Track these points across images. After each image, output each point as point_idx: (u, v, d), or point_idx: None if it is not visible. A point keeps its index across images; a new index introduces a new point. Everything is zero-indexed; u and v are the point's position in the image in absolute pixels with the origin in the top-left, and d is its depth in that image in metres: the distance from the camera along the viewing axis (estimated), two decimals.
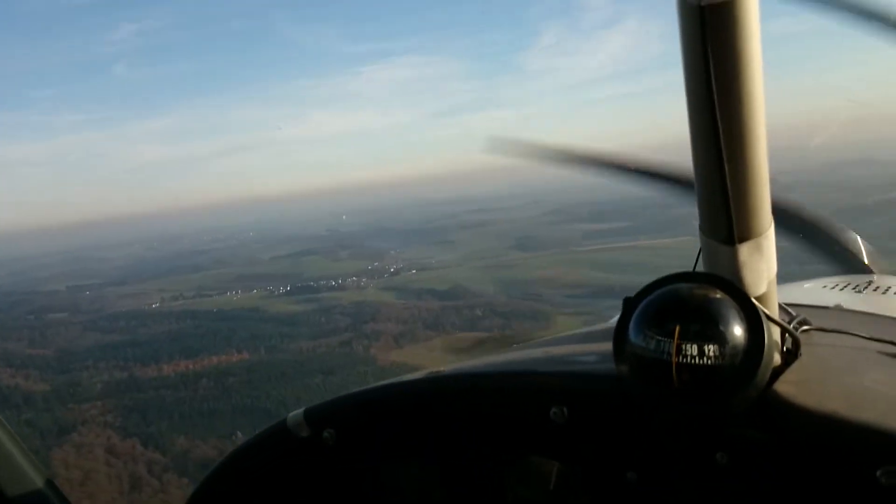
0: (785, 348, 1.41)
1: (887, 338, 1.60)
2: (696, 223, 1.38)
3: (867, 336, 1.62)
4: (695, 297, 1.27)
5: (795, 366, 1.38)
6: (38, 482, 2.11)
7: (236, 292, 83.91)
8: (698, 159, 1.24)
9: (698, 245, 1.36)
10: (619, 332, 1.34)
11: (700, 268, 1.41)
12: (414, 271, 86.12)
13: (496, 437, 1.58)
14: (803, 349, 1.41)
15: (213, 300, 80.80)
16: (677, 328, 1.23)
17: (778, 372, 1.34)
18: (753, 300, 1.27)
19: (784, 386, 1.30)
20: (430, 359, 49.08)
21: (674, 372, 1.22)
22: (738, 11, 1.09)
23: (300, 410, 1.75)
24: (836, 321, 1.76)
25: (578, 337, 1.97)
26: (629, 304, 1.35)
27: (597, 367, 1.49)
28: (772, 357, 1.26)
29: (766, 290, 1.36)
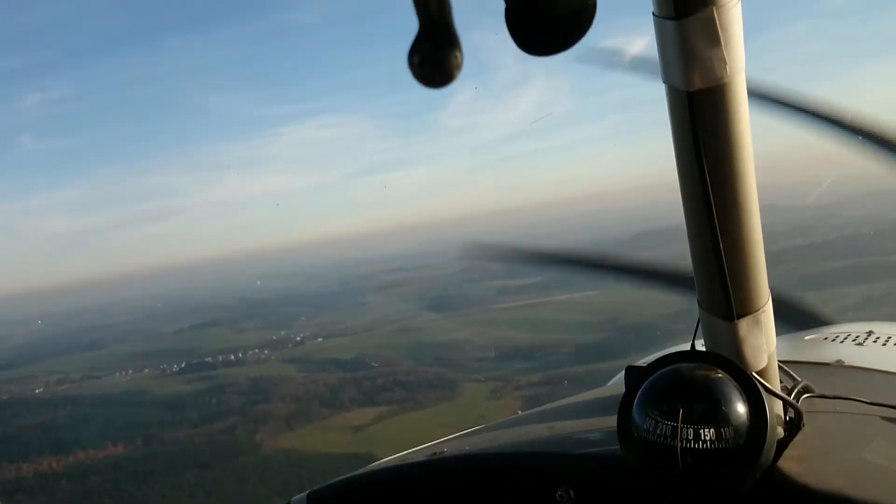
0: (788, 418, 1.44)
1: (890, 401, 1.60)
2: (695, 298, 1.41)
3: (870, 401, 1.60)
4: (697, 379, 1.29)
5: (799, 438, 1.39)
6: None
7: (126, 372, 77.31)
8: (693, 238, 1.27)
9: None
10: (623, 412, 1.35)
11: (698, 341, 1.43)
12: (320, 339, 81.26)
13: None
14: (807, 417, 1.43)
15: (99, 382, 74.22)
16: (680, 411, 1.23)
17: (782, 444, 1.35)
18: (755, 378, 1.28)
19: (788, 462, 1.31)
20: (322, 442, 44.69)
21: (678, 455, 1.22)
22: (725, 95, 1.12)
23: (304, 494, 1.75)
24: (838, 381, 1.79)
25: (580, 407, 1.96)
26: (632, 381, 1.37)
27: (601, 447, 1.49)
28: (775, 436, 1.26)
29: (766, 364, 1.38)
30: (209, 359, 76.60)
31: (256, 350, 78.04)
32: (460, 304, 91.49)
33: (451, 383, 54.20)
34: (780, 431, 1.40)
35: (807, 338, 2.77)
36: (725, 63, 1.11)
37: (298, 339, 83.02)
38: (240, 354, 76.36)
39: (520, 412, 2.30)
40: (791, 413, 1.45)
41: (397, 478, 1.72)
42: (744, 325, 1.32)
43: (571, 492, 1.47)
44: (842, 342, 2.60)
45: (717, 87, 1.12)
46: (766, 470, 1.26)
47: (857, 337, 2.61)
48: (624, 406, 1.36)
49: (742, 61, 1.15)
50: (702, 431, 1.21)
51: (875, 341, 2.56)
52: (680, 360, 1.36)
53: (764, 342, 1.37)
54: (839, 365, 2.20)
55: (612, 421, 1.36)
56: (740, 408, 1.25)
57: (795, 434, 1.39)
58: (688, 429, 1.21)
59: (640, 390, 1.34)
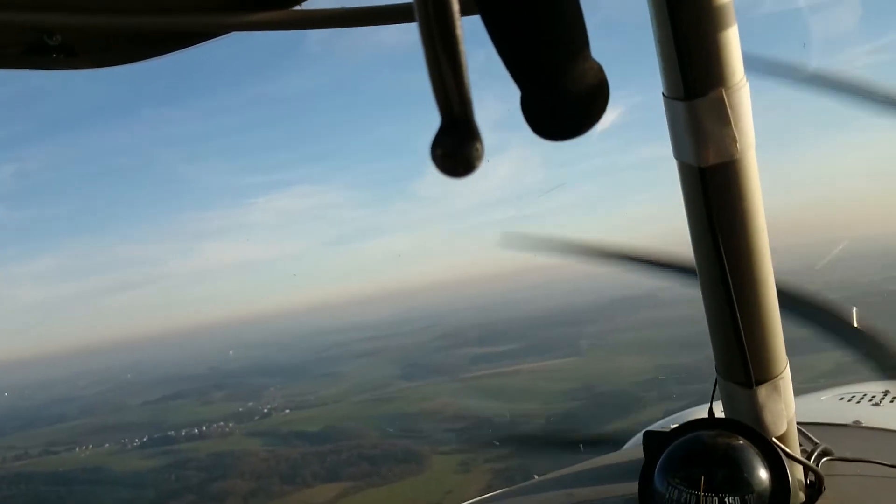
0: (808, 481, 1.45)
1: None
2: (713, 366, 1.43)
3: (891, 464, 1.62)
4: (718, 446, 1.30)
5: (820, 502, 1.39)
6: None
7: (87, 447, 74.65)
8: (710, 307, 1.29)
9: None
10: (645, 480, 1.36)
11: (716, 407, 1.44)
12: (288, 411, 79.20)
13: None
14: (827, 481, 1.43)
15: (58, 458, 71.41)
16: (702, 479, 1.24)
17: None
18: (774, 442, 1.29)
19: None
20: None
21: None
22: (737, 170, 1.15)
23: None
24: (856, 443, 1.80)
25: (598, 473, 1.92)
26: (652, 447, 1.38)
27: None
28: (797, 501, 1.28)
29: (786, 429, 1.39)
30: (172, 432, 74.15)
31: (221, 423, 75.76)
32: (434, 372, 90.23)
33: (419, 456, 52.60)
34: (801, 496, 1.39)
35: (822, 398, 2.78)
36: (736, 140, 1.14)
37: (265, 410, 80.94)
38: (204, 428, 74.07)
39: (536, 476, 2.16)
40: (812, 477, 1.43)
41: None
42: (763, 392, 1.32)
43: None
44: (858, 402, 2.58)
45: (728, 162, 1.15)
46: None
47: (874, 397, 2.59)
48: (645, 473, 1.35)
49: (752, 137, 1.17)
50: (726, 499, 1.21)
51: (892, 401, 2.55)
52: (700, 427, 1.36)
53: (783, 408, 1.36)
54: (857, 426, 2.19)
55: (631, 487, 1.35)
56: (762, 474, 1.24)
57: (816, 499, 1.39)
58: (712, 497, 1.21)
59: (662, 458, 1.33)
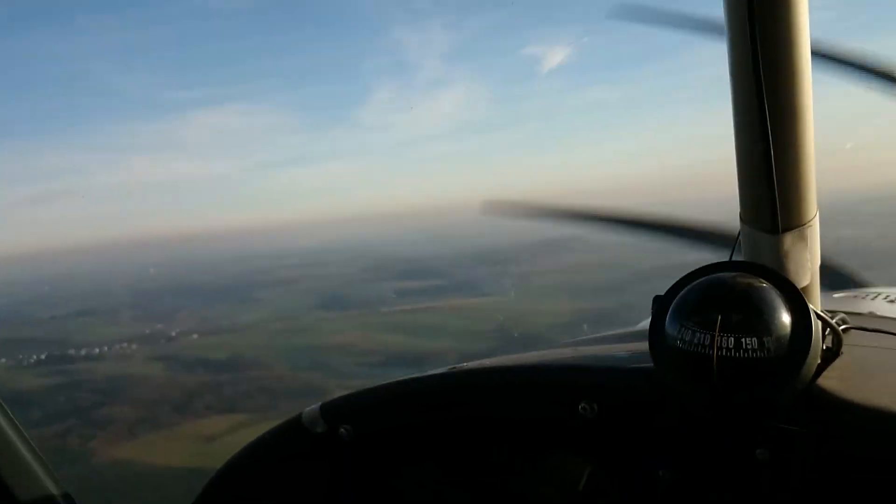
0: (825, 346, 1.41)
1: None
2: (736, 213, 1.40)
3: None
4: (738, 286, 1.25)
5: (838, 362, 1.36)
6: (48, 484, 2.02)
7: None
8: (742, 146, 1.24)
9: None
10: (656, 322, 1.33)
11: (739, 258, 1.42)
12: (196, 336, 76.52)
13: (521, 434, 1.54)
14: (845, 347, 1.42)
15: None
16: (719, 319, 1.19)
17: (821, 368, 1.32)
18: (800, 290, 1.26)
19: (827, 381, 1.27)
20: (164, 452, 40.72)
21: (714, 365, 1.18)
22: None
23: (316, 405, 1.69)
24: (874, 324, 1.75)
25: (610, 338, 1.90)
26: (668, 295, 1.35)
27: (629, 362, 1.48)
28: (818, 350, 1.26)
29: (809, 282, 1.37)
30: (72, 351, 70.98)
31: (125, 344, 72.84)
32: (355, 304, 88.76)
33: (322, 391, 50.70)
34: (818, 357, 1.33)
35: (836, 295, 2.75)
36: None
37: (173, 334, 78.11)
38: (106, 348, 71.07)
39: None
40: (829, 340, 1.38)
41: (412, 390, 1.65)
42: (788, 240, 1.28)
43: (595, 405, 1.41)
44: (873, 299, 2.61)
45: None
46: (806, 385, 1.22)
47: (889, 296, 2.62)
48: (657, 314, 1.31)
49: None
50: (743, 340, 1.16)
51: None
52: (719, 269, 1.30)
53: (808, 259, 1.32)
54: (872, 315, 2.18)
55: (642, 346, 1.32)
56: (784, 318, 1.19)
57: (833, 360, 1.35)
58: (728, 337, 1.16)
59: (675, 300, 1.28)
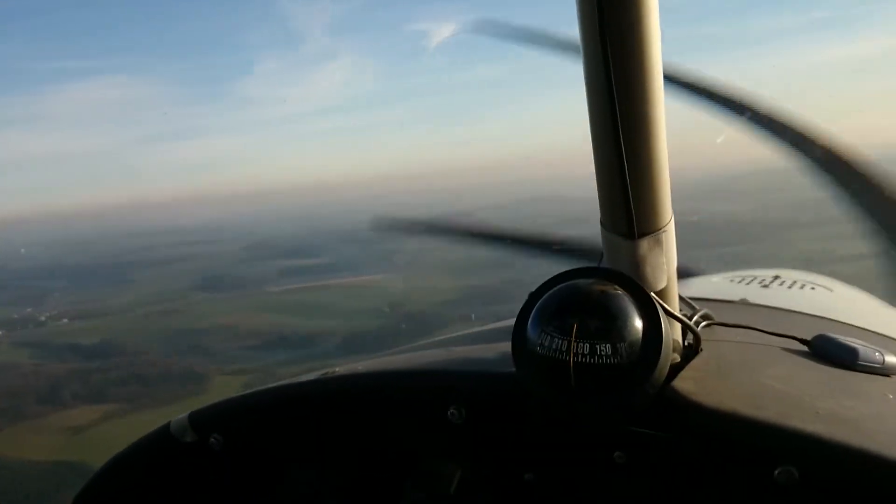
0: (686, 343, 1.47)
1: (790, 333, 1.64)
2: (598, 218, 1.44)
3: (769, 331, 1.65)
4: (592, 294, 1.28)
5: (695, 362, 1.40)
6: None
7: None
8: (598, 154, 1.27)
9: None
10: (518, 328, 1.35)
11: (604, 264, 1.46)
12: (66, 320, 72.69)
13: (392, 439, 1.57)
14: (705, 344, 1.46)
15: None
16: (574, 325, 1.23)
17: (678, 368, 1.36)
18: (652, 295, 1.30)
19: (683, 383, 1.31)
20: (28, 446, 38.29)
21: (571, 371, 1.22)
22: (636, 2, 1.13)
23: (185, 414, 1.66)
24: (740, 316, 1.79)
25: (480, 335, 1.94)
26: (530, 299, 1.37)
27: (496, 366, 1.49)
28: (669, 354, 1.27)
29: (666, 285, 1.40)
30: None
31: None
32: (237, 283, 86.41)
33: (200, 376, 49.02)
34: (677, 357, 1.39)
35: (713, 279, 2.87)
36: None
37: (42, 318, 74.11)
38: None
39: None
40: (690, 338, 1.44)
41: (284, 396, 1.63)
42: (645, 245, 1.32)
43: (463, 410, 1.44)
44: (748, 284, 2.71)
45: None
46: (660, 388, 1.26)
47: (764, 280, 2.74)
48: (519, 322, 1.33)
49: None
50: (595, 346, 1.20)
51: (780, 284, 2.71)
52: (577, 275, 1.34)
53: (664, 262, 1.35)
54: (743, 303, 2.27)
55: (508, 347, 1.35)
56: (637, 323, 1.23)
57: (692, 358, 1.40)
58: (583, 343, 1.20)
59: (537, 306, 1.32)
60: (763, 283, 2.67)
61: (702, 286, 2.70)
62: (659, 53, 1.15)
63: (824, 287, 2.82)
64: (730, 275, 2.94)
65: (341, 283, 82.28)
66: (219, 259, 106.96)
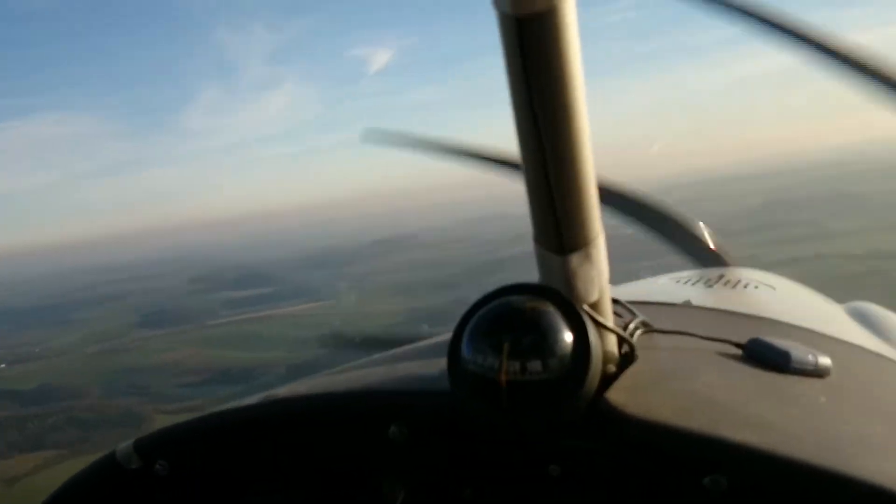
0: (623, 352, 1.47)
1: (727, 337, 1.65)
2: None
3: (706, 336, 1.66)
4: (522, 311, 1.31)
5: (630, 371, 1.41)
6: None
7: None
8: (526, 171, 1.28)
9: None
10: (453, 347, 1.37)
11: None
12: (3, 365, 71.07)
13: (336, 461, 1.55)
14: (642, 353, 1.46)
15: None
16: (505, 343, 1.25)
17: (612, 378, 1.37)
18: (580, 309, 1.32)
19: (617, 393, 1.32)
20: None
21: (502, 388, 1.24)
22: (555, 19, 1.12)
23: (130, 441, 1.61)
24: (682, 320, 1.83)
25: (422, 351, 1.90)
26: (464, 317, 1.38)
27: (436, 383, 1.48)
28: (598, 366, 1.29)
29: (599, 297, 1.40)
30: None
31: None
32: (180, 319, 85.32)
33: (139, 418, 48.32)
34: (613, 367, 1.40)
35: (660, 281, 2.88)
36: None
37: None
38: None
39: None
40: (626, 348, 1.45)
41: (227, 421, 1.60)
42: (574, 260, 1.32)
43: (405, 429, 1.44)
44: (693, 284, 2.72)
45: (546, 12, 1.09)
46: (591, 401, 1.27)
47: (709, 280, 2.74)
48: (454, 340, 1.35)
49: None
50: (525, 364, 1.21)
51: (725, 284, 2.72)
52: (508, 293, 1.36)
53: (596, 276, 1.36)
54: (686, 305, 2.27)
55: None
56: (566, 338, 1.25)
57: (627, 367, 1.40)
58: (514, 361, 1.22)
59: (469, 324, 1.33)
60: (708, 284, 2.70)
61: (648, 288, 2.80)
62: (580, 68, 1.17)
63: (768, 285, 2.84)
64: (676, 275, 2.98)
65: (285, 313, 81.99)
66: (163, 293, 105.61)
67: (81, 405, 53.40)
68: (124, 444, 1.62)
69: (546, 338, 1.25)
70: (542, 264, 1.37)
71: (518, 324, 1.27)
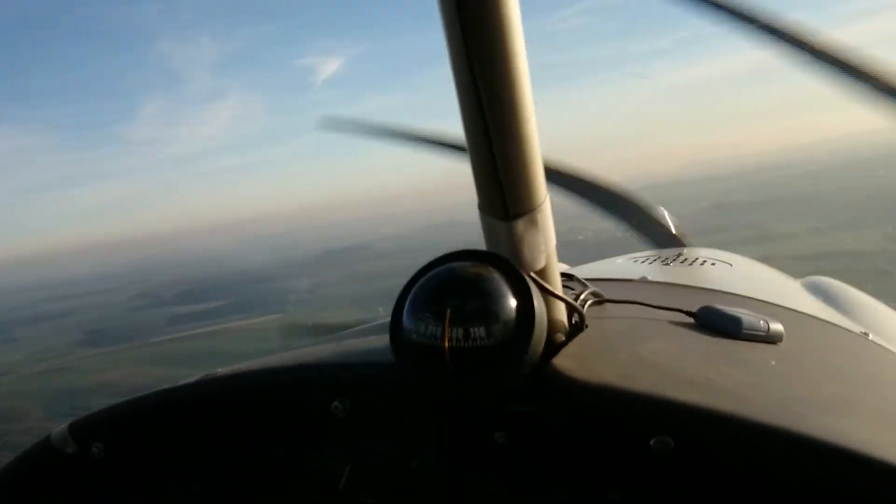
0: (573, 321, 1.48)
1: (678, 306, 1.67)
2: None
3: (657, 305, 1.68)
4: (465, 277, 1.29)
5: (579, 339, 1.41)
6: None
7: None
8: (469, 138, 1.27)
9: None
10: (395, 317, 1.36)
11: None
12: None
13: (279, 437, 1.53)
14: (592, 322, 1.47)
15: None
16: (448, 310, 1.23)
17: (561, 346, 1.37)
18: (525, 275, 1.30)
19: (563, 360, 1.32)
20: None
21: (446, 356, 1.22)
22: None
23: (65, 424, 1.63)
24: (635, 293, 1.83)
25: (368, 330, 1.92)
26: (406, 286, 1.38)
27: (379, 356, 1.47)
28: (543, 332, 1.28)
29: (546, 264, 1.39)
30: None
31: None
32: (122, 337, 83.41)
33: None
34: (562, 336, 1.41)
35: (618, 260, 2.90)
36: None
37: None
38: None
39: None
40: (576, 318, 1.46)
41: (164, 401, 1.60)
42: (520, 225, 1.31)
43: (348, 402, 1.44)
44: (650, 263, 2.77)
45: None
46: (537, 367, 1.26)
47: (666, 259, 2.78)
48: (396, 310, 1.34)
49: None
50: (467, 330, 1.20)
51: (683, 262, 2.76)
52: (452, 259, 1.34)
53: (542, 242, 1.34)
54: (642, 281, 2.30)
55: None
56: (510, 304, 1.24)
57: (575, 335, 1.40)
58: (457, 328, 1.20)
59: (411, 293, 1.32)
60: (665, 262, 2.73)
61: (606, 267, 2.83)
62: (521, 35, 1.15)
63: (724, 262, 2.85)
64: (634, 255, 2.99)
65: (233, 327, 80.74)
66: (106, 310, 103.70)
67: (18, 429, 51.70)
68: (59, 428, 1.63)
69: (489, 303, 1.22)
70: (488, 232, 1.37)
71: (461, 290, 1.25)
